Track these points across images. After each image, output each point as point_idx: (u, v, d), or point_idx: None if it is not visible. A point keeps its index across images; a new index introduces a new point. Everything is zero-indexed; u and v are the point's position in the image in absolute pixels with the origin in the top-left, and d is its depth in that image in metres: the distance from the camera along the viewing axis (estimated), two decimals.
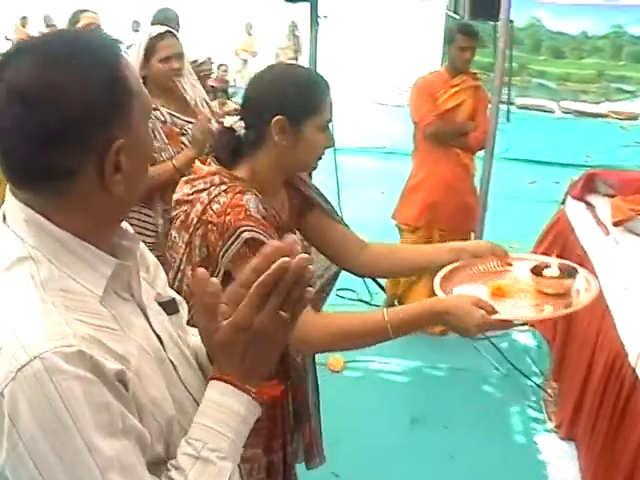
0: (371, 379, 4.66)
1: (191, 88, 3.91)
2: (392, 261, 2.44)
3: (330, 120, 2.19)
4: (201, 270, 1.23)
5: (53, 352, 1.04)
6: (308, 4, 4.89)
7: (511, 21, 13.31)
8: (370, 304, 5.59)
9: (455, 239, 5.01)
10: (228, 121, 2.20)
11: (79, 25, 4.77)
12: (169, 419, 1.24)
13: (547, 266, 2.14)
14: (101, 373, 1.08)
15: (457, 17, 10.37)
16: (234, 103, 12.84)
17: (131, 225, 1.41)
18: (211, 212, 2.07)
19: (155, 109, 3.76)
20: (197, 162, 2.28)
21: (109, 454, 1.07)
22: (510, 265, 2.27)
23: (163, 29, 3.83)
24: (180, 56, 3.78)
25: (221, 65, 13.98)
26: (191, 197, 2.15)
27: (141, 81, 1.25)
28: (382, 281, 5.46)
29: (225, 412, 1.22)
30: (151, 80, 3.83)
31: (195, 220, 2.10)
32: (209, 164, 2.21)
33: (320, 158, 2.24)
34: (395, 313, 2.04)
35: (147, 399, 1.19)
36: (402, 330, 2.04)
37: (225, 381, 1.24)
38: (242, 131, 2.17)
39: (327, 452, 3.83)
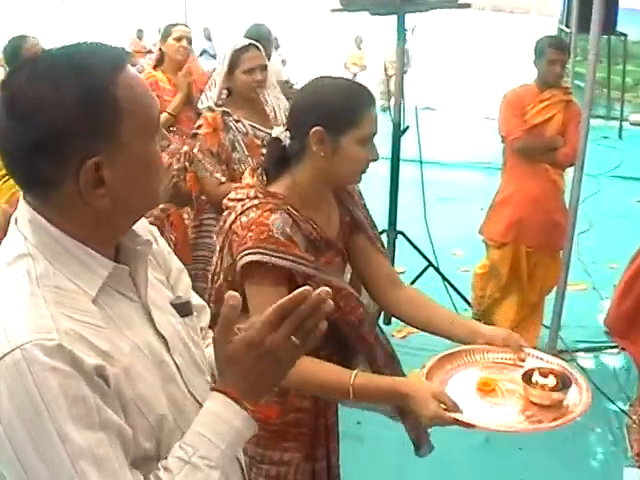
0: None
1: (274, 100, 3.98)
2: (413, 314, 2.37)
3: (374, 133, 2.17)
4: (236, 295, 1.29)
5: (34, 344, 1.11)
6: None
7: (624, 34, 13.05)
8: None
9: (543, 256, 4.99)
10: (275, 131, 2.23)
11: (170, 38, 4.91)
12: (160, 418, 1.28)
13: (544, 373, 1.98)
14: (80, 367, 1.13)
15: (568, 31, 10.14)
16: None
17: None
18: (239, 223, 2.13)
19: (237, 121, 3.85)
20: (247, 172, 2.32)
21: (81, 444, 1.11)
22: (523, 361, 2.12)
23: (247, 42, 3.93)
24: (263, 68, 3.87)
25: None
26: (232, 204, 2.22)
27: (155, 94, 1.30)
28: (470, 297, 5.41)
29: (222, 424, 1.27)
30: (235, 91, 3.93)
31: (227, 227, 2.17)
32: (254, 175, 2.25)
33: (364, 172, 2.22)
34: (362, 380, 2.04)
35: (135, 396, 1.24)
36: (363, 398, 2.07)
37: (227, 394, 1.28)
38: (287, 141, 2.20)
39: (396, 467, 3.84)
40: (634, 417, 4.28)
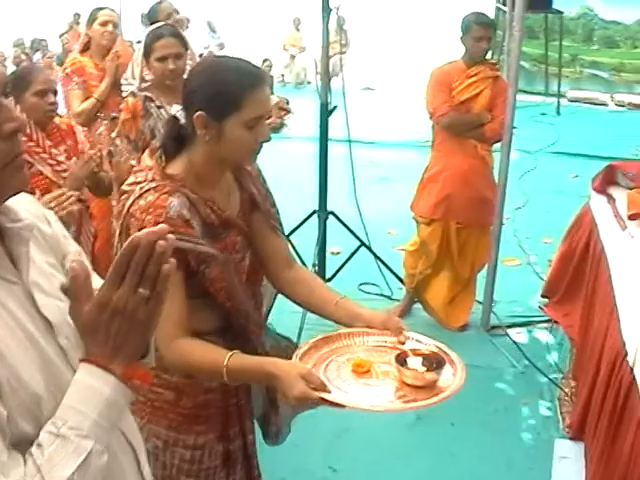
0: None
1: None
2: (302, 294, 2.39)
3: (263, 115, 2.12)
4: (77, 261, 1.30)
5: None
6: None
7: (560, 12, 13.18)
8: (391, 299, 5.53)
9: (472, 232, 5.01)
10: (174, 109, 2.19)
11: (96, 23, 4.82)
12: (36, 398, 1.25)
13: (417, 354, 2.00)
14: None
15: (505, 9, 10.20)
16: (278, 98, 12.88)
17: None
18: (137, 207, 2.10)
19: (160, 107, 3.79)
20: (145, 153, 2.28)
21: None
22: (402, 344, 2.11)
23: (162, 29, 3.90)
24: (178, 56, 3.80)
25: (265, 60, 13.99)
26: (129, 188, 2.19)
27: None
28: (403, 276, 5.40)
29: (88, 392, 1.24)
30: (154, 78, 3.89)
31: (125, 211, 2.14)
32: (153, 156, 2.21)
33: (257, 153, 2.20)
34: (236, 362, 2.04)
35: (8, 375, 1.20)
36: (236, 379, 2.09)
37: (91, 362, 1.25)
38: (183, 121, 2.17)
39: (326, 446, 3.83)
40: (566, 389, 4.32)
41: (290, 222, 5.59)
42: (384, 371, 2.01)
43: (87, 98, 4.74)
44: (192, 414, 2.32)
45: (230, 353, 2.03)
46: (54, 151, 3.52)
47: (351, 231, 5.55)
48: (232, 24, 17.17)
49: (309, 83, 16.34)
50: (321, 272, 5.41)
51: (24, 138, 3.35)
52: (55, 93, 3.53)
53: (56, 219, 1.58)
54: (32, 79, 3.42)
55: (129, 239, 1.20)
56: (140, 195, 2.11)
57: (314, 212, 5.49)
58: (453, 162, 4.84)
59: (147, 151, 2.28)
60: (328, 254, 5.63)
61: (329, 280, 5.33)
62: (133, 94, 3.86)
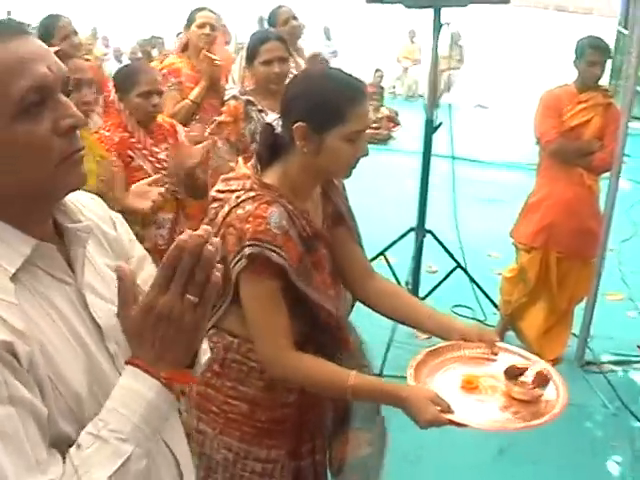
0: None
1: None
2: (391, 305, 2.41)
3: (364, 129, 2.11)
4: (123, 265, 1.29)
5: None
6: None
7: None
8: (485, 323, 5.38)
9: (574, 263, 4.83)
10: (271, 117, 2.18)
11: (194, 25, 4.84)
12: (77, 399, 1.25)
13: (524, 369, 2.08)
14: None
15: (626, 32, 9.90)
16: (388, 110, 12.83)
17: None
18: (234, 216, 2.09)
19: (261, 111, 3.80)
20: (240, 161, 2.28)
21: None
22: (495, 354, 2.21)
23: (267, 32, 3.90)
24: (283, 60, 3.79)
25: (377, 70, 13.96)
26: (223, 195, 2.19)
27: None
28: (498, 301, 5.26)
29: (132, 396, 1.23)
30: (257, 82, 3.89)
31: (220, 220, 2.13)
32: (248, 164, 2.21)
33: (354, 167, 2.17)
34: (361, 381, 2.07)
35: (52, 375, 1.22)
36: (360, 399, 2.16)
37: (134, 365, 1.24)
38: (279, 129, 2.17)
39: (404, 470, 3.74)
40: None
41: (386, 237, 5.55)
42: (491, 386, 2.08)
43: (183, 99, 4.73)
44: (266, 428, 2.31)
45: (353, 373, 2.07)
46: (155, 149, 3.58)
47: (448, 251, 5.44)
48: (348, 32, 17.27)
49: (420, 96, 16.22)
50: (414, 290, 5.32)
51: (126, 134, 3.41)
52: (159, 94, 3.56)
53: (122, 222, 1.59)
54: (138, 80, 3.46)
55: (174, 242, 1.18)
56: (238, 204, 2.10)
57: (411, 229, 5.40)
58: (557, 189, 4.67)
59: (241, 159, 2.28)
60: (424, 272, 5.53)
61: (423, 299, 5.23)
62: (235, 97, 3.88)
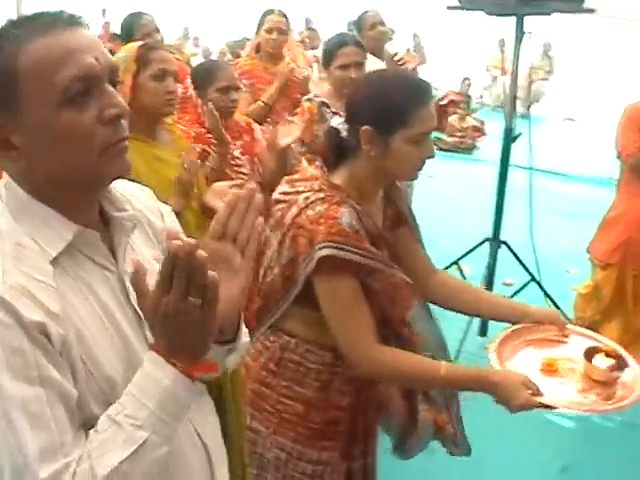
0: (537, 418, 4.32)
1: None
2: (458, 299, 2.46)
3: (429, 132, 2.13)
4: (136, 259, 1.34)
5: None
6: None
7: None
8: None
9: None
10: (335, 121, 2.20)
11: (262, 30, 4.85)
12: (111, 382, 1.29)
13: (599, 351, 2.17)
14: (19, 320, 1.17)
15: None
16: (473, 119, 12.71)
17: None
18: (304, 217, 2.11)
19: (335, 113, 3.81)
20: (304, 161, 2.30)
21: (14, 395, 1.15)
22: (567, 337, 2.32)
23: (345, 36, 3.91)
24: (359, 65, 3.80)
25: (465, 79, 13.84)
26: (288, 197, 2.21)
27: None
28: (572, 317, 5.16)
29: (149, 381, 1.25)
30: (333, 85, 3.91)
31: (289, 222, 2.15)
32: (314, 165, 2.23)
33: (420, 169, 2.19)
34: (453, 371, 2.11)
35: (85, 358, 1.26)
36: (452, 387, 2.22)
37: (155, 350, 1.27)
38: (345, 133, 2.18)
39: None
40: None
41: (462, 246, 5.51)
42: (570, 368, 2.16)
43: (255, 101, 4.74)
44: (320, 429, 2.32)
45: (443, 363, 2.12)
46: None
47: (522, 264, 5.35)
48: (438, 39, 17.13)
49: None
50: None
51: (202, 129, 3.46)
52: (237, 90, 3.60)
53: (171, 214, 1.63)
54: (216, 76, 3.51)
55: (168, 248, 1.19)
56: (307, 205, 2.13)
57: (486, 240, 5.34)
58: (636, 205, 4.54)
59: (304, 160, 2.30)
60: (498, 284, 5.45)
61: None
62: (309, 99, 3.91)
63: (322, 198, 2.12)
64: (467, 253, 5.48)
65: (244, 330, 1.55)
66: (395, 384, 2.34)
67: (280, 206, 2.23)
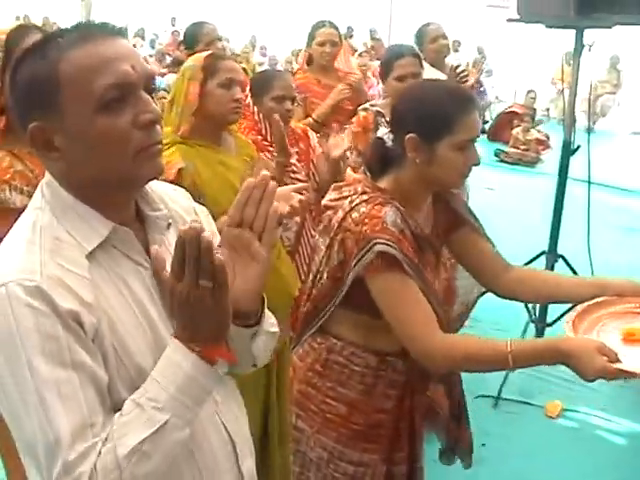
0: (587, 434, 4.33)
1: None
2: (534, 287, 2.39)
3: (474, 138, 2.16)
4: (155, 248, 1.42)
5: (16, 283, 1.26)
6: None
7: None
8: None
9: None
10: (381, 131, 2.24)
11: (314, 42, 4.87)
12: (140, 370, 1.36)
13: None
14: (54, 308, 1.25)
15: None
16: (538, 132, 12.59)
17: None
18: (350, 220, 2.16)
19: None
20: (349, 170, 2.34)
21: (48, 377, 1.24)
22: None
23: (403, 48, 3.95)
24: (416, 76, 3.83)
25: (530, 91, 13.74)
26: (335, 203, 2.26)
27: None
28: None
29: (170, 366, 1.33)
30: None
31: (336, 226, 2.20)
32: (359, 172, 2.28)
33: (466, 176, 2.22)
34: (520, 345, 2.03)
35: (117, 346, 1.34)
36: (523, 363, 2.06)
37: (176, 337, 1.35)
38: (390, 143, 2.22)
39: None
40: None
41: (518, 259, 5.43)
42: None
43: (307, 115, 4.73)
44: (362, 431, 2.35)
45: (508, 339, 2.04)
46: None
47: None
48: (503, 51, 17.05)
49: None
50: (542, 315, 5.20)
51: (259, 137, 3.52)
52: (293, 100, 3.66)
53: (206, 214, 1.71)
54: (272, 84, 3.57)
55: (177, 238, 1.28)
56: (352, 208, 2.18)
57: (542, 253, 5.30)
58: None
59: (349, 169, 2.34)
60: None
61: (550, 325, 5.12)
62: (365, 109, 3.95)
63: (366, 200, 2.17)
64: (524, 266, 5.42)
65: (271, 319, 1.63)
66: (466, 369, 2.31)
67: (328, 212, 2.28)
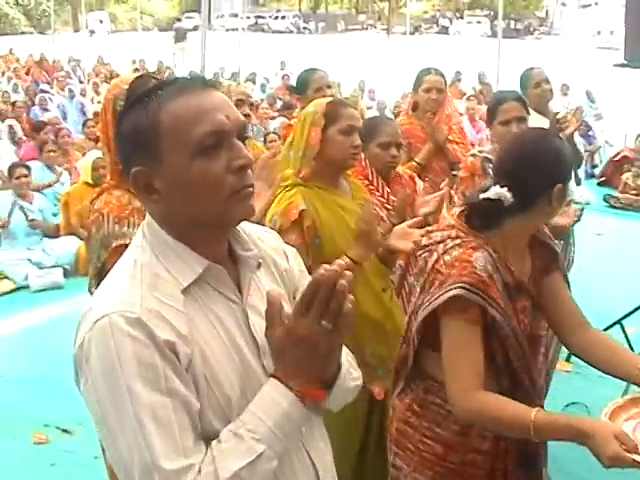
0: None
1: None
2: (603, 356, 2.37)
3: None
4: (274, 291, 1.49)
5: (119, 314, 1.38)
6: None
7: None
8: None
9: None
10: (494, 191, 2.23)
11: (420, 89, 4.96)
12: (228, 401, 1.46)
13: None
14: (153, 339, 1.37)
15: None
16: None
17: None
18: (442, 262, 2.24)
19: None
20: (443, 211, 2.40)
21: (145, 401, 1.35)
22: None
23: (508, 92, 4.01)
24: (521, 120, 3.87)
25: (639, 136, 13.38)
26: (427, 249, 2.35)
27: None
28: None
29: (269, 403, 1.43)
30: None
31: (429, 268, 2.28)
32: (452, 214, 2.35)
33: None
34: (544, 417, 2.06)
35: (208, 376, 1.44)
36: (543, 436, 2.10)
37: (277, 378, 1.44)
38: (510, 200, 2.25)
39: None
40: None
41: (625, 306, 5.36)
42: None
43: (410, 160, 4.79)
44: (458, 470, 2.39)
45: (536, 409, 2.08)
46: (392, 197, 3.74)
47: None
48: (613, 94, 16.74)
49: None
50: None
51: (365, 181, 3.61)
52: (399, 147, 3.74)
53: (296, 255, 1.81)
54: (379, 130, 3.67)
55: (313, 276, 1.37)
56: (445, 251, 2.25)
57: None
58: None
59: (444, 210, 2.41)
60: None
61: None
62: (473, 154, 4.01)
63: (459, 244, 2.25)
64: (631, 313, 5.34)
65: (355, 374, 1.71)
66: (486, 427, 2.31)
67: (426, 254, 2.36)
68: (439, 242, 2.31)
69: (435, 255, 2.28)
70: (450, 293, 2.16)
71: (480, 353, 2.20)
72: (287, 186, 3.11)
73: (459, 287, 2.15)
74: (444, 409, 2.37)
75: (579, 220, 3.87)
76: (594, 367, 2.41)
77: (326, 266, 1.38)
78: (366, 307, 3.00)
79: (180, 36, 29.90)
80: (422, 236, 2.49)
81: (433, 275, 2.26)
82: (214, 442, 1.40)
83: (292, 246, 1.82)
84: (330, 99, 3.30)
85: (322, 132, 3.07)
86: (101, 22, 53.94)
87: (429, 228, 2.48)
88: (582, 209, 3.97)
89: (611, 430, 1.92)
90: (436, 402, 2.39)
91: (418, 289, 2.35)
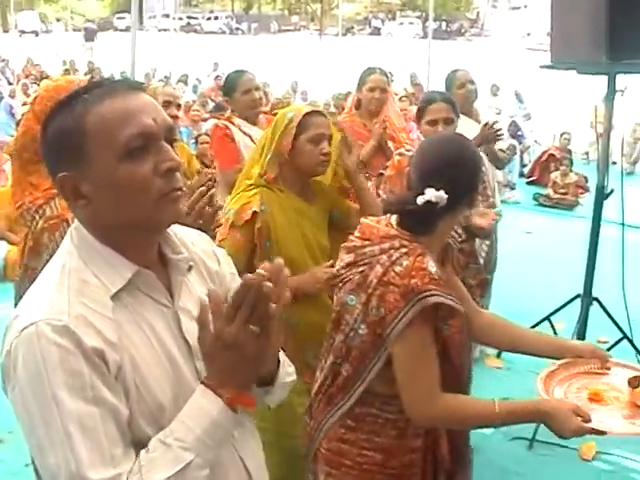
0: (621, 476, 4.29)
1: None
2: (500, 334, 2.57)
3: None
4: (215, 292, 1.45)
5: (45, 322, 1.36)
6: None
7: None
8: None
9: None
10: (430, 194, 2.22)
11: (364, 88, 5.03)
12: (160, 407, 1.45)
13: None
14: (80, 346, 1.35)
15: None
16: (576, 175, 12.56)
17: None
18: (392, 274, 2.21)
19: None
20: (369, 220, 2.41)
21: (71, 409, 1.33)
22: (609, 369, 2.39)
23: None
24: (449, 122, 3.91)
25: (564, 133, 13.70)
26: (367, 260, 2.30)
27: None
28: None
29: (198, 410, 1.42)
30: None
31: (375, 282, 2.23)
32: (386, 223, 2.35)
33: None
34: (506, 407, 2.20)
35: (139, 382, 1.43)
36: (507, 423, 2.27)
37: (205, 384, 1.43)
38: (444, 201, 2.26)
39: None
40: None
41: (553, 303, 5.46)
42: (615, 396, 2.27)
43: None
44: (398, 474, 2.40)
45: (496, 400, 2.21)
46: None
47: (614, 321, 5.26)
48: (541, 95, 17.02)
49: (614, 163, 15.74)
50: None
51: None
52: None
53: (226, 257, 1.80)
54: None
55: (242, 281, 1.36)
56: (393, 263, 2.22)
57: (577, 296, 5.30)
58: None
59: (382, 222, 2.39)
60: (591, 341, 5.37)
61: None
62: (400, 153, 4.04)
63: (406, 252, 2.23)
64: (558, 309, 5.43)
65: (289, 368, 1.72)
66: (454, 428, 2.42)
67: (358, 269, 2.32)
68: (377, 255, 2.27)
69: (379, 268, 2.23)
70: (431, 300, 2.16)
71: (435, 358, 2.23)
72: (250, 185, 3.15)
73: (430, 295, 2.16)
74: (381, 418, 2.37)
75: (497, 222, 3.94)
76: (496, 347, 2.60)
77: (259, 271, 1.37)
78: (304, 308, 3.01)
79: (89, 36, 29.71)
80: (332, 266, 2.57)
81: (382, 289, 2.21)
82: (143, 451, 1.39)
83: (233, 245, 1.80)
84: (309, 109, 3.29)
85: (293, 140, 3.10)
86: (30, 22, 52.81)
87: (352, 245, 2.42)
88: (500, 213, 4.06)
89: (568, 407, 2.11)
90: (372, 412, 2.38)
91: (359, 305, 2.29)
